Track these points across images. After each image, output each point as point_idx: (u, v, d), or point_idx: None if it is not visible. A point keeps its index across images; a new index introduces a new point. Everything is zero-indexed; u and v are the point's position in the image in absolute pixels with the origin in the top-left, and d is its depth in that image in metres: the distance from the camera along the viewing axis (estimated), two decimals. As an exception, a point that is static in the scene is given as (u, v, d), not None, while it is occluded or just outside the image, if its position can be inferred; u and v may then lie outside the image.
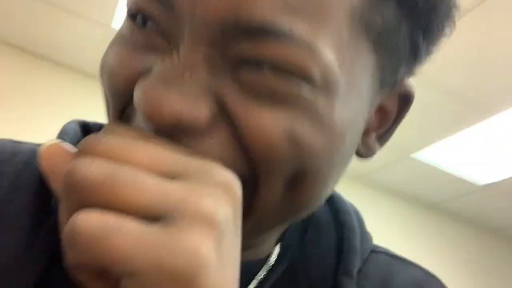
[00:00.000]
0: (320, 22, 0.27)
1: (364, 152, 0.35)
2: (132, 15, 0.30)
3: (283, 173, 0.29)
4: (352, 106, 0.30)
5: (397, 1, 0.30)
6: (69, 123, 0.39)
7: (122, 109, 0.30)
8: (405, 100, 0.36)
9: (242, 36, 0.27)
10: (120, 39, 0.31)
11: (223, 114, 0.28)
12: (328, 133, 0.29)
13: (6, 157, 0.37)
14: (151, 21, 0.29)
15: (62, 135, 0.37)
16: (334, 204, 0.42)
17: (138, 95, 0.27)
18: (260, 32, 0.26)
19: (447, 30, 0.34)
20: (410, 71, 0.35)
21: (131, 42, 0.30)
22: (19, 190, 0.35)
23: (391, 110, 0.36)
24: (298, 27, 0.26)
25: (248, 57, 0.27)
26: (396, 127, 0.37)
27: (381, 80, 0.32)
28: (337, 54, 0.28)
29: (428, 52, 0.34)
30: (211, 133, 0.28)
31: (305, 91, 0.28)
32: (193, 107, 0.26)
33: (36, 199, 0.35)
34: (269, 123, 0.27)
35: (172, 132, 0.26)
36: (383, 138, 0.36)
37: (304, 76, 0.27)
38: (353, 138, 0.33)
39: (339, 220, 0.40)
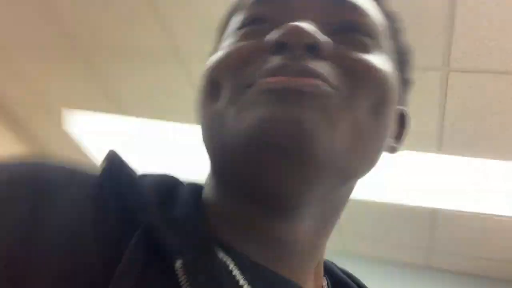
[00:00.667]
0: (377, 16, 0.45)
1: (389, 147, 0.46)
2: (249, 22, 0.42)
3: (374, 93, 0.39)
4: (393, 75, 0.43)
5: (396, 48, 0.47)
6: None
7: (241, 73, 0.38)
8: (402, 120, 0.49)
9: (341, 9, 0.41)
10: (232, 43, 0.42)
11: (333, 54, 0.38)
12: (389, 74, 0.41)
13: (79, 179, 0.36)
14: (265, 21, 0.41)
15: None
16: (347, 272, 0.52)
17: (282, 30, 0.36)
18: (354, 7, 0.42)
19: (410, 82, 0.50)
20: (404, 100, 0.49)
21: (242, 39, 0.41)
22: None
23: (393, 131, 0.47)
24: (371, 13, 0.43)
25: (348, 21, 0.41)
26: (401, 144, 0.48)
27: (398, 83, 0.45)
28: (381, 35, 0.44)
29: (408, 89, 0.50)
30: (328, 62, 0.38)
31: (380, 53, 0.42)
32: (323, 36, 0.38)
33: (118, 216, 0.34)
34: (363, 57, 0.39)
35: (304, 56, 0.36)
36: (394, 148, 0.48)
37: (370, 34, 0.42)
38: (395, 104, 0.43)
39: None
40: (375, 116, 0.38)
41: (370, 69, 0.39)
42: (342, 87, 0.37)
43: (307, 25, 0.36)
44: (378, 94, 0.39)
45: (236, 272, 0.34)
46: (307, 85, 0.35)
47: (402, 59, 0.48)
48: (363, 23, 0.42)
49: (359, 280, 0.51)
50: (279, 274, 0.38)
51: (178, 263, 0.31)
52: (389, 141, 0.45)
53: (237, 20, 0.43)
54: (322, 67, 0.37)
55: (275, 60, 0.36)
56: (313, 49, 0.36)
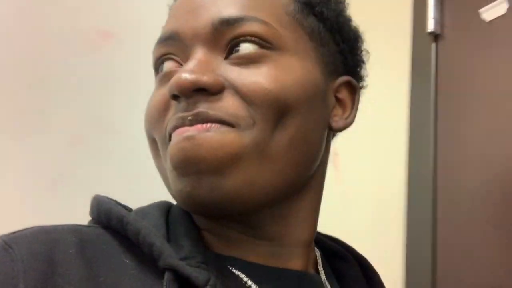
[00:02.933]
0: (267, 13, 0.44)
1: (335, 126, 0.49)
2: (156, 67, 0.47)
3: (274, 113, 0.41)
4: (306, 66, 0.45)
5: (319, 19, 0.48)
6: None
7: (162, 127, 0.44)
8: (351, 89, 0.51)
9: (225, 27, 0.43)
10: (154, 90, 0.47)
11: (226, 84, 0.41)
12: (294, 77, 0.43)
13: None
14: (168, 58, 0.45)
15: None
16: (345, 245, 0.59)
17: (170, 82, 0.41)
18: (235, 19, 0.43)
19: (363, 52, 0.53)
20: (349, 71, 0.51)
21: (159, 84, 0.46)
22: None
23: (345, 99, 0.51)
24: (254, 13, 0.43)
25: (232, 39, 0.43)
26: (355, 111, 0.51)
27: (324, 65, 0.47)
28: (287, 32, 0.45)
29: (356, 61, 0.53)
30: (221, 98, 0.41)
31: (272, 54, 0.43)
32: (204, 75, 0.40)
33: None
34: (256, 78, 0.41)
35: (196, 98, 0.40)
36: (345, 120, 0.50)
37: (269, 43, 0.43)
38: (316, 95, 0.45)
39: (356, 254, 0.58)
40: (283, 130, 0.42)
41: (262, 92, 0.41)
42: (242, 117, 0.40)
43: (188, 73, 0.40)
44: (276, 111, 0.41)
45: (250, 282, 0.42)
46: (197, 130, 0.40)
47: (331, 28, 0.49)
48: (248, 34, 0.42)
49: (346, 244, 0.58)
50: (281, 267, 0.45)
51: None
52: (334, 120, 0.49)
53: (152, 61, 0.48)
54: (215, 107, 0.40)
55: (177, 110, 0.42)
56: (202, 90, 0.40)
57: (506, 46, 1.00)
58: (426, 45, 1.13)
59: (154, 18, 0.57)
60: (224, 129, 0.40)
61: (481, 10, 1.04)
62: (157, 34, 0.47)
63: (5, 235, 0.38)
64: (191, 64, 0.41)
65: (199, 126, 0.40)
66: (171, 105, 0.43)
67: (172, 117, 0.42)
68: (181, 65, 0.44)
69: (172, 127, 0.41)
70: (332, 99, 0.49)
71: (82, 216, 0.46)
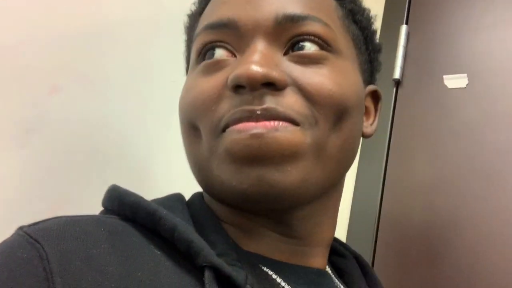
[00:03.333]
0: (326, 15, 0.45)
1: (365, 132, 0.51)
2: (203, 52, 0.45)
3: (334, 114, 0.42)
4: (354, 72, 0.47)
5: (357, 26, 0.50)
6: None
7: (213, 115, 0.42)
8: (375, 98, 0.54)
9: (289, 23, 0.42)
10: (197, 76, 0.45)
11: (289, 81, 0.42)
12: (351, 85, 0.44)
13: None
14: (221, 46, 0.44)
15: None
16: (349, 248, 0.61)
17: (237, 72, 0.40)
18: (300, 17, 0.43)
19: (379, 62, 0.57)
20: (372, 79, 0.54)
21: (206, 72, 0.44)
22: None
23: (369, 106, 0.53)
24: (316, 13, 0.44)
25: (295, 36, 0.43)
26: (378, 119, 0.54)
27: (362, 72, 0.49)
28: (340, 36, 0.46)
29: (376, 71, 0.56)
30: (285, 94, 0.41)
31: (331, 56, 0.44)
32: (273, 70, 0.40)
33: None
34: (320, 79, 0.42)
35: (262, 91, 0.40)
36: (371, 127, 0.53)
37: (328, 45, 0.44)
38: (361, 101, 0.47)
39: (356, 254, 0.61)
40: (339, 131, 0.43)
41: (326, 92, 0.41)
42: (305, 115, 0.41)
43: (258, 66, 0.39)
44: (336, 112, 0.42)
45: (279, 280, 0.42)
46: (265, 127, 0.39)
47: (366, 37, 0.51)
48: (312, 34, 0.43)
49: (342, 241, 0.60)
50: (305, 266, 0.46)
51: None
52: (364, 126, 0.51)
53: (196, 46, 0.46)
54: (282, 103, 0.40)
55: (238, 101, 0.40)
56: (269, 85, 0.40)
57: (463, 112, 1.10)
58: (389, 90, 1.21)
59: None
60: (291, 128, 0.40)
61: (445, 77, 1.14)
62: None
63: (25, 227, 0.34)
64: (257, 57, 0.40)
65: (267, 123, 0.39)
66: (225, 95, 0.42)
67: (234, 109, 0.40)
68: (234, 54, 0.43)
69: (235, 120, 0.40)
70: (364, 106, 0.51)
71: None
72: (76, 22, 0.73)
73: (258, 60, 0.40)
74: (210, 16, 0.46)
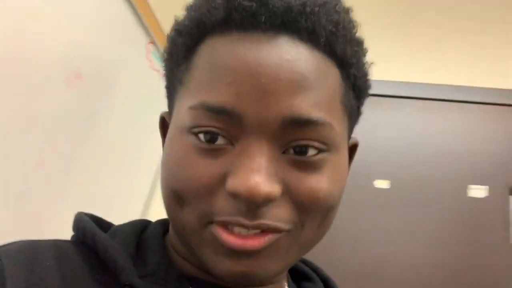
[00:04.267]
0: (330, 110, 0.43)
1: None
2: (199, 132, 0.42)
3: (321, 215, 0.43)
4: (346, 162, 0.47)
5: (355, 93, 0.47)
6: (80, 215, 0.50)
7: (203, 203, 0.41)
8: (352, 150, 0.54)
9: (295, 127, 0.40)
10: (190, 150, 0.42)
11: (283, 187, 0.41)
12: (343, 177, 0.45)
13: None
14: (220, 134, 0.41)
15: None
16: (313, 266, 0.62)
17: (240, 186, 0.38)
18: (308, 121, 0.40)
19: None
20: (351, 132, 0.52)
21: (204, 153, 0.42)
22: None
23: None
24: (323, 115, 0.41)
25: (299, 140, 0.41)
26: (349, 167, 0.53)
27: (348, 138, 0.49)
28: (339, 127, 0.44)
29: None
30: (277, 204, 0.41)
31: (329, 156, 0.43)
32: (274, 188, 0.40)
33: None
34: (314, 186, 0.41)
35: (259, 206, 0.39)
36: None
37: (328, 146, 0.42)
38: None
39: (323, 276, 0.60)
40: (324, 226, 0.44)
41: (317, 200, 0.41)
42: (293, 223, 0.42)
43: (261, 187, 0.38)
44: (324, 215, 0.43)
45: None
46: (253, 246, 0.40)
47: (360, 104, 0.50)
48: (315, 139, 0.41)
49: (314, 265, 0.61)
50: None
51: None
52: None
53: (191, 120, 0.42)
54: (274, 216, 0.40)
55: (233, 209, 0.40)
56: (267, 202, 0.40)
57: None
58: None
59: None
60: (281, 240, 0.41)
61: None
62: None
63: None
64: (262, 171, 0.39)
65: (256, 242, 0.40)
66: (220, 191, 0.41)
67: (228, 216, 0.40)
68: (232, 142, 0.41)
69: (224, 223, 0.40)
70: None
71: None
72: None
73: (264, 177, 0.39)
74: (210, 89, 0.41)
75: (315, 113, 0.41)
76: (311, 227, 0.43)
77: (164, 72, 0.51)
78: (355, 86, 0.47)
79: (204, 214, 0.41)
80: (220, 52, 0.41)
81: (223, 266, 0.40)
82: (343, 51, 0.44)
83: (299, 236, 0.42)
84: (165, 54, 0.49)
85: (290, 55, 0.41)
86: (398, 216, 1.59)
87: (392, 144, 1.70)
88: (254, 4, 0.41)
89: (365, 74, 0.49)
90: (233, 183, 0.39)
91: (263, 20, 0.41)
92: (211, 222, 0.41)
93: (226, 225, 0.40)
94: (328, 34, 0.42)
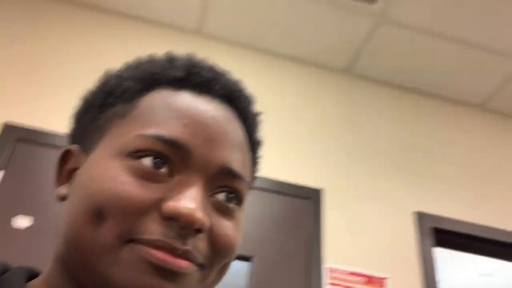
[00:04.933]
0: (247, 169, 0.51)
1: None
2: (144, 156, 0.45)
3: (225, 262, 0.47)
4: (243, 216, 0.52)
5: (253, 155, 0.55)
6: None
7: (128, 221, 0.43)
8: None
9: (227, 176, 0.47)
10: (126, 173, 0.45)
11: (209, 227, 0.45)
12: (240, 235, 0.49)
13: None
14: (166, 163, 0.45)
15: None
16: None
17: (180, 209, 0.42)
18: (237, 175, 0.48)
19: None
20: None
21: (141, 175, 0.45)
22: None
23: None
24: (247, 175, 0.50)
25: (227, 188, 0.48)
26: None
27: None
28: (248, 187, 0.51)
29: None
30: (200, 237, 0.45)
31: (241, 210, 0.49)
32: (207, 219, 0.44)
33: None
34: (230, 233, 0.47)
35: (190, 233, 0.43)
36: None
37: (243, 201, 0.49)
38: None
39: None
40: (220, 275, 0.49)
41: (229, 246, 0.47)
42: (205, 262, 0.45)
43: (200, 215, 0.42)
44: (229, 260, 0.48)
45: None
46: (180, 267, 0.42)
47: (256, 153, 0.56)
48: (238, 191, 0.48)
49: None
50: None
51: None
52: None
53: (136, 144, 0.45)
54: (197, 247, 0.44)
55: (165, 232, 0.42)
56: (197, 231, 0.43)
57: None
58: None
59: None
60: (194, 274, 0.44)
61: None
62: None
63: None
64: (199, 203, 0.43)
65: (183, 263, 0.42)
66: (152, 214, 0.43)
67: (160, 238, 0.42)
68: (172, 174, 0.45)
69: (156, 246, 0.42)
70: None
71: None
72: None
73: (200, 207, 0.43)
74: (166, 126, 0.46)
75: (242, 171, 0.49)
76: (215, 271, 0.47)
77: (81, 107, 0.54)
78: (255, 150, 0.56)
79: (127, 232, 0.42)
80: (178, 99, 0.49)
81: (140, 282, 0.41)
82: (255, 135, 0.56)
83: (205, 277, 0.46)
84: (99, 88, 0.53)
85: (234, 121, 0.51)
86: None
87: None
88: (211, 75, 0.52)
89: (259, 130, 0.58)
90: (173, 205, 0.42)
91: (216, 88, 0.51)
92: (132, 241, 0.42)
93: (153, 245, 0.42)
94: (252, 120, 0.55)
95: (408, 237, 2.08)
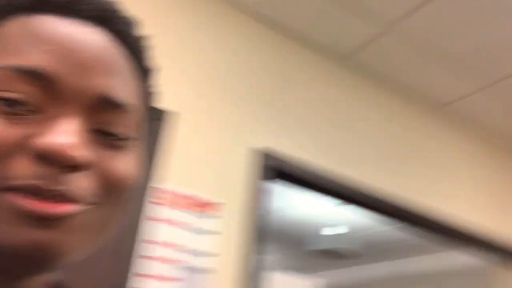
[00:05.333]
0: (140, 99, 0.46)
1: None
2: (1, 90, 0.38)
3: (123, 198, 0.43)
4: (143, 145, 0.48)
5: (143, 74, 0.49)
6: None
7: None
8: None
9: (109, 108, 0.42)
10: None
11: (93, 164, 0.40)
12: (136, 173, 0.45)
13: None
14: (30, 96, 0.39)
15: None
16: None
17: (50, 144, 0.37)
18: (120, 106, 0.42)
19: None
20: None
21: (3, 112, 0.38)
22: None
23: None
24: (135, 103, 0.45)
25: (109, 122, 0.42)
26: None
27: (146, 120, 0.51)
28: (141, 116, 0.47)
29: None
30: (85, 174, 0.40)
31: (135, 142, 0.45)
32: (87, 153, 0.39)
33: None
34: (123, 168, 0.43)
35: (67, 170, 0.38)
36: None
37: (136, 132, 0.45)
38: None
39: None
40: (121, 212, 0.44)
41: (122, 182, 0.42)
42: (99, 200, 0.41)
43: (73, 148, 0.37)
44: (125, 196, 0.44)
45: None
46: (55, 211, 0.37)
47: (148, 94, 0.51)
48: (125, 122, 0.43)
49: None
50: None
51: None
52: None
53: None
54: (80, 186, 0.39)
55: (37, 172, 0.37)
56: (73, 167, 0.38)
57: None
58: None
59: None
60: (85, 215, 0.40)
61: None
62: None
63: None
64: (76, 134, 0.38)
65: (58, 208, 0.37)
66: (20, 152, 0.38)
67: (30, 180, 0.37)
68: (36, 110, 0.39)
69: (21, 187, 0.37)
70: None
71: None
72: None
73: (76, 142, 0.38)
74: (23, 55, 0.40)
75: (129, 100, 0.43)
76: (116, 206, 0.43)
77: None
78: (144, 70, 0.50)
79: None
80: (39, 24, 0.41)
81: (14, 236, 0.36)
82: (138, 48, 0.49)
83: (105, 214, 0.42)
84: None
85: (111, 45, 0.44)
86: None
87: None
88: None
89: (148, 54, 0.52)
90: (41, 141, 0.37)
91: (85, 9, 0.43)
92: (6, 190, 0.37)
93: (24, 191, 0.37)
94: (134, 45, 0.47)
95: (244, 169, 2.09)
